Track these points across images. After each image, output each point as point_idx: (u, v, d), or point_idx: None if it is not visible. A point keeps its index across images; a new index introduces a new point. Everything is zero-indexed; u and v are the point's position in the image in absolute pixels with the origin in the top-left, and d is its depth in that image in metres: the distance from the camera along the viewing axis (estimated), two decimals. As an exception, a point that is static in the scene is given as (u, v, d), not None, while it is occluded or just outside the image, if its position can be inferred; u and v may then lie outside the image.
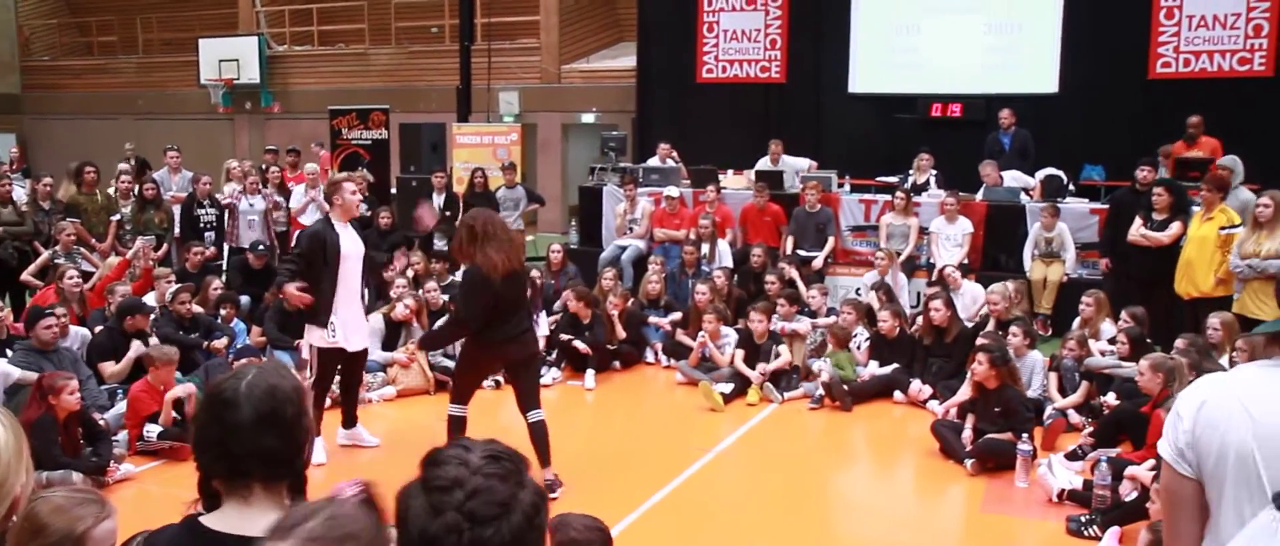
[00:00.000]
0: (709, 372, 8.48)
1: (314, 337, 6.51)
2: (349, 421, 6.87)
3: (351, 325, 6.53)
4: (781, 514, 5.95)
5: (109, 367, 7.49)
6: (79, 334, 7.78)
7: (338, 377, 6.85)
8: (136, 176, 11.64)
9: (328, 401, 7.00)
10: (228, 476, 1.87)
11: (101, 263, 9.86)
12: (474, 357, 6.07)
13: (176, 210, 11.07)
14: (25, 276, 9.49)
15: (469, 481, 1.42)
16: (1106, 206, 10.34)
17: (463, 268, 5.94)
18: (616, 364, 9.22)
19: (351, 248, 6.45)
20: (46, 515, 2.46)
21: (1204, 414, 2.14)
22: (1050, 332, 9.90)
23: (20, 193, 10.77)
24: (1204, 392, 2.19)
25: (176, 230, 10.92)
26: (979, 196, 11.19)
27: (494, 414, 8.11)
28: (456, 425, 6.05)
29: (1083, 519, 5.48)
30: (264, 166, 12.42)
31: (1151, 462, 5.59)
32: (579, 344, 8.76)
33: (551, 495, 5.79)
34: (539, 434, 5.94)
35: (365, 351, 6.90)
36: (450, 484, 1.42)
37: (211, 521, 1.86)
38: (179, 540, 1.88)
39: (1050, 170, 11.54)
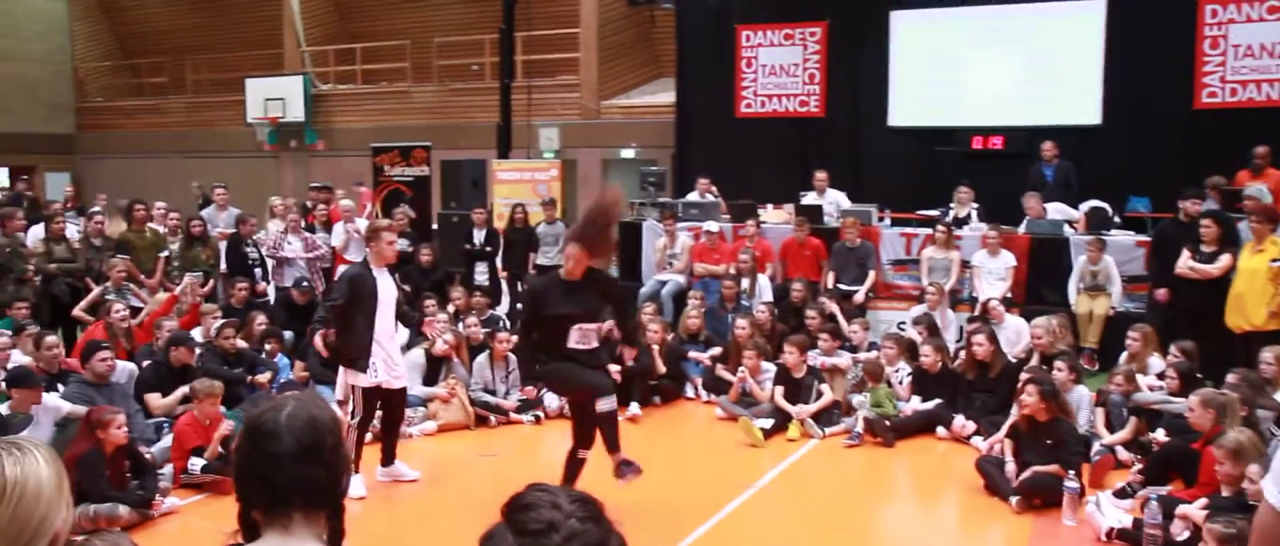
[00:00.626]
0: (749, 408, 8.43)
1: (353, 378, 6.60)
2: (388, 459, 6.89)
3: (389, 363, 6.64)
4: (823, 551, 5.88)
5: (156, 400, 7.60)
6: (126, 368, 7.91)
7: (378, 414, 6.90)
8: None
9: (368, 436, 7.06)
10: (268, 506, 1.90)
11: (150, 298, 10.04)
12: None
13: (222, 246, 11.27)
14: (77, 311, 9.70)
15: (564, 525, 1.41)
16: (1151, 239, 10.18)
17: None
18: (656, 399, 9.19)
19: (387, 293, 6.62)
20: None
21: None
22: (1097, 367, 9.73)
23: (73, 230, 11.02)
24: None
25: (223, 266, 11.11)
26: (1021, 229, 11.06)
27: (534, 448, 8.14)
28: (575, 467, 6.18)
29: (1132, 558, 5.35)
30: (310, 204, 12.59)
31: (1204, 501, 5.47)
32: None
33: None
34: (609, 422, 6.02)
35: (404, 389, 6.97)
36: (546, 527, 1.41)
37: None
38: None
39: (1095, 202, 11.39)
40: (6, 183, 20.86)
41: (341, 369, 6.75)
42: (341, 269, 8.27)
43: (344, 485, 1.99)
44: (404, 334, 9.65)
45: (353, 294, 6.45)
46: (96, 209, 11.16)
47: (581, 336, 5.88)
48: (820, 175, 12.84)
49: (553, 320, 5.87)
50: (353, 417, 6.62)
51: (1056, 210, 11.39)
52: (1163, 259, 9.47)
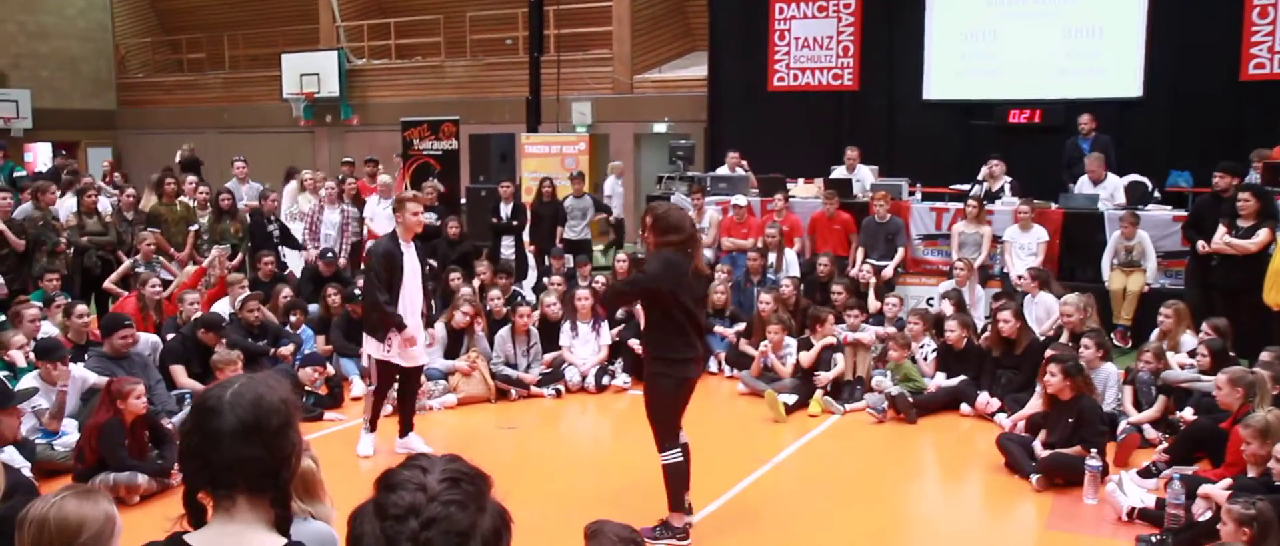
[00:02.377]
0: (771, 383, 8.35)
1: (371, 348, 6.72)
2: (404, 431, 6.93)
3: (410, 341, 6.64)
4: (839, 526, 5.81)
5: (181, 373, 7.68)
6: (150, 340, 7.99)
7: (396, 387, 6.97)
8: (181, 176, 11.96)
9: (388, 409, 7.11)
10: (210, 486, 1.84)
11: (179, 271, 10.15)
12: (665, 385, 5.28)
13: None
14: (108, 284, 9.82)
15: (426, 509, 1.33)
16: (1187, 214, 9.93)
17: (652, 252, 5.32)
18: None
19: (411, 266, 6.63)
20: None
21: None
22: (1129, 344, 9.53)
23: (105, 203, 11.15)
24: None
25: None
26: (1054, 205, 10.83)
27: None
28: (676, 472, 5.33)
29: (1153, 539, 5.23)
30: (341, 178, 12.64)
31: (1227, 481, 5.33)
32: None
33: (687, 520, 5.43)
34: (687, 456, 5.44)
35: (421, 367, 6.98)
36: (406, 511, 1.33)
37: (196, 539, 1.83)
38: None
39: (1134, 177, 11.13)
40: (50, 158, 21.22)
41: (365, 337, 6.83)
42: (370, 243, 8.28)
43: (292, 468, 1.89)
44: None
45: (388, 267, 6.51)
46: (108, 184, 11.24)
47: None
48: (851, 152, 12.66)
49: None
50: (370, 385, 6.87)
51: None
52: (1199, 233, 9.23)
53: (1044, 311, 9.09)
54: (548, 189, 12.48)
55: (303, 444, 1.95)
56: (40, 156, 21.89)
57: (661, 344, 5.22)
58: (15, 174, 14.69)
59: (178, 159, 14.75)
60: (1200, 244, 9.12)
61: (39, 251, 9.73)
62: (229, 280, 9.49)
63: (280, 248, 11.09)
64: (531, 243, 12.50)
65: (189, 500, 1.87)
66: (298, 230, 11.46)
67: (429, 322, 7.02)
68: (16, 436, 6.18)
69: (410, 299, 6.64)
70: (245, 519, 1.83)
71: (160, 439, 6.43)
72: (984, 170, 11.59)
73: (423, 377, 8.20)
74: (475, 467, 1.42)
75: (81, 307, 8.17)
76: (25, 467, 5.72)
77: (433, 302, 7.49)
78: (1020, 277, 9.63)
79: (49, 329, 7.94)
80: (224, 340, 8.09)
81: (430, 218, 11.83)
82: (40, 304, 8.35)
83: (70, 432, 6.58)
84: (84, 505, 2.49)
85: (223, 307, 9.08)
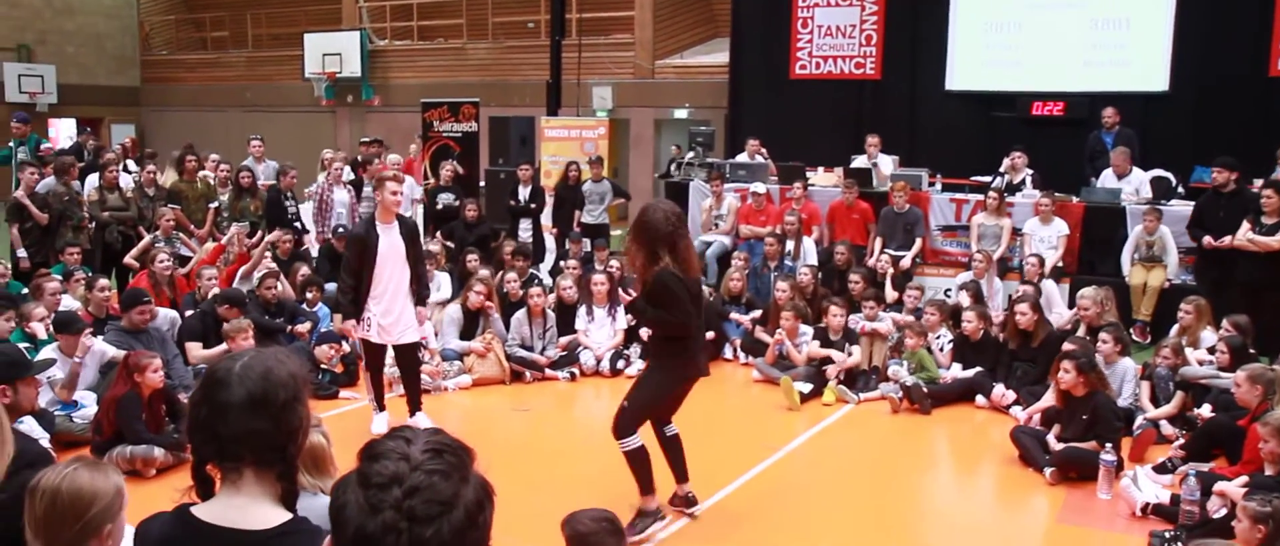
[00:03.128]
0: (785, 371, 8.33)
1: (341, 327, 6.93)
2: (413, 410, 6.94)
3: (390, 320, 6.66)
4: (851, 515, 5.80)
5: (196, 350, 7.73)
6: (168, 316, 8.05)
7: (395, 367, 7.06)
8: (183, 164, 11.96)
9: (400, 390, 7.12)
10: (217, 459, 1.85)
11: (199, 248, 10.21)
12: (667, 381, 5.27)
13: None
14: (128, 259, 9.90)
15: (408, 477, 1.34)
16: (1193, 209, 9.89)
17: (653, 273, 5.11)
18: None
19: (389, 247, 6.59)
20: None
21: None
22: (1149, 340, 9.45)
23: (127, 179, 11.22)
24: None
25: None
26: (1076, 198, 10.75)
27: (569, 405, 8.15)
28: (637, 457, 5.27)
29: (1166, 535, 5.19)
30: (360, 158, 12.67)
31: (1243, 479, 5.28)
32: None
33: (690, 511, 5.50)
34: (676, 446, 5.46)
35: (414, 345, 6.94)
36: (389, 480, 1.34)
37: (202, 511, 1.84)
38: (169, 530, 1.87)
39: (1158, 172, 11.02)
40: (75, 134, 21.37)
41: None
42: (350, 228, 8.33)
43: (299, 443, 1.90)
44: (447, 289, 9.75)
45: (357, 253, 6.56)
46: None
47: None
48: (872, 140, 12.61)
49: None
50: (366, 365, 7.01)
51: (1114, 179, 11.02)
52: (1198, 231, 9.29)
53: (1045, 300, 9.14)
54: (574, 172, 12.52)
55: (310, 419, 1.96)
56: (62, 132, 22.05)
57: (665, 350, 5.26)
58: (41, 147, 14.81)
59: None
60: (1206, 240, 9.08)
61: (63, 225, 9.81)
62: (254, 255, 9.54)
63: (297, 224, 11.12)
64: (553, 225, 12.51)
65: (197, 472, 1.89)
66: (307, 211, 11.51)
67: (423, 301, 6.95)
68: (35, 407, 6.24)
69: (390, 280, 6.61)
70: (251, 492, 1.83)
71: (177, 413, 6.46)
72: (1006, 162, 11.51)
73: (439, 359, 8.27)
74: (458, 440, 1.43)
75: (103, 282, 8.24)
76: (44, 438, 5.78)
77: (428, 282, 7.41)
78: (1028, 263, 9.67)
79: (70, 302, 8.03)
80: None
81: (448, 199, 11.88)
82: (61, 277, 8.43)
83: (88, 405, 6.64)
84: (96, 477, 2.50)
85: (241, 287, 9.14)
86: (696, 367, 5.33)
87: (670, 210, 5.15)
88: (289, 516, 1.83)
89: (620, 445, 5.20)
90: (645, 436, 5.33)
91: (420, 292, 6.87)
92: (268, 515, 1.82)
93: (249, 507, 1.81)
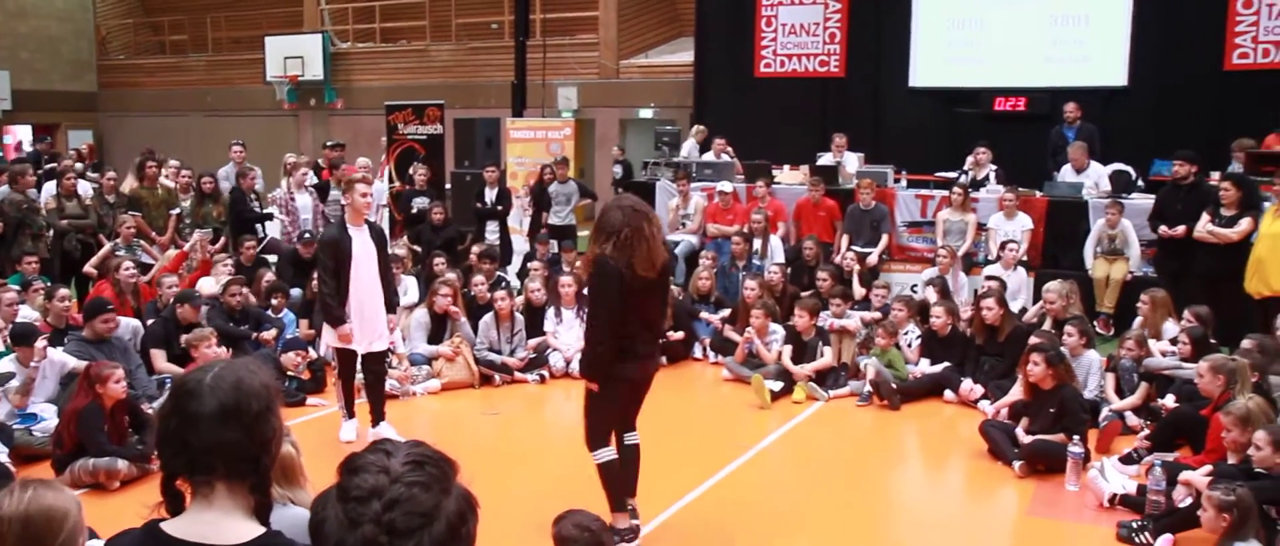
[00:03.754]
0: (755, 369, 8.35)
1: (327, 337, 6.71)
2: (376, 420, 6.83)
3: (364, 327, 6.56)
4: (822, 512, 5.82)
5: (159, 359, 7.62)
6: (130, 325, 7.93)
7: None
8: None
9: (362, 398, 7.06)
10: (188, 472, 1.80)
11: (160, 255, 10.06)
12: (608, 393, 4.93)
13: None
14: (88, 268, 9.74)
15: (388, 490, 1.32)
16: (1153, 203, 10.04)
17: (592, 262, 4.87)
18: (663, 359, 9.13)
19: (362, 251, 6.47)
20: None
21: None
22: (1112, 332, 9.57)
23: (85, 187, 11.04)
24: None
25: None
26: (1039, 193, 10.86)
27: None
28: (608, 470, 5.03)
29: (1134, 525, 5.25)
30: (323, 162, 12.55)
31: (1208, 468, 5.35)
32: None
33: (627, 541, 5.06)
34: (631, 458, 5.16)
35: (382, 353, 6.85)
36: (368, 494, 1.32)
37: (173, 527, 1.79)
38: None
39: (1118, 165, 11.15)
40: (31, 141, 21.01)
41: (323, 326, 6.82)
42: (322, 231, 8.17)
43: (272, 454, 1.86)
44: (413, 293, 9.67)
45: (333, 256, 6.41)
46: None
47: None
48: (839, 140, 12.67)
49: None
50: (337, 373, 6.84)
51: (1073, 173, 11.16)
52: (1160, 220, 9.46)
53: (1019, 283, 9.31)
54: (549, 176, 12.55)
55: (284, 430, 1.92)
56: (26, 139, 21.64)
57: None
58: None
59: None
60: (1162, 228, 9.25)
61: (20, 234, 9.64)
62: (215, 259, 9.42)
63: (258, 226, 10.99)
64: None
65: (166, 487, 1.84)
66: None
67: (392, 308, 6.84)
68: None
69: (364, 285, 6.51)
70: (223, 506, 1.79)
71: (140, 424, 6.37)
72: (970, 158, 11.61)
73: (407, 364, 8.21)
74: (440, 452, 1.41)
75: (63, 291, 8.10)
76: (2, 452, 5.67)
77: (396, 288, 7.28)
78: (1009, 251, 9.82)
79: (28, 313, 7.88)
80: (203, 313, 8.04)
81: (423, 202, 11.80)
82: (18, 288, 8.28)
83: (48, 418, 6.52)
84: (59, 496, 2.43)
85: (207, 288, 9.02)
86: (640, 372, 4.99)
87: (630, 205, 4.85)
88: (262, 531, 1.80)
89: (592, 458, 5.05)
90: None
91: (390, 299, 6.77)
92: (240, 529, 1.78)
93: (221, 522, 1.77)
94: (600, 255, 4.73)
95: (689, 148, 13.84)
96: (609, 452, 5.01)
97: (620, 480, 5.05)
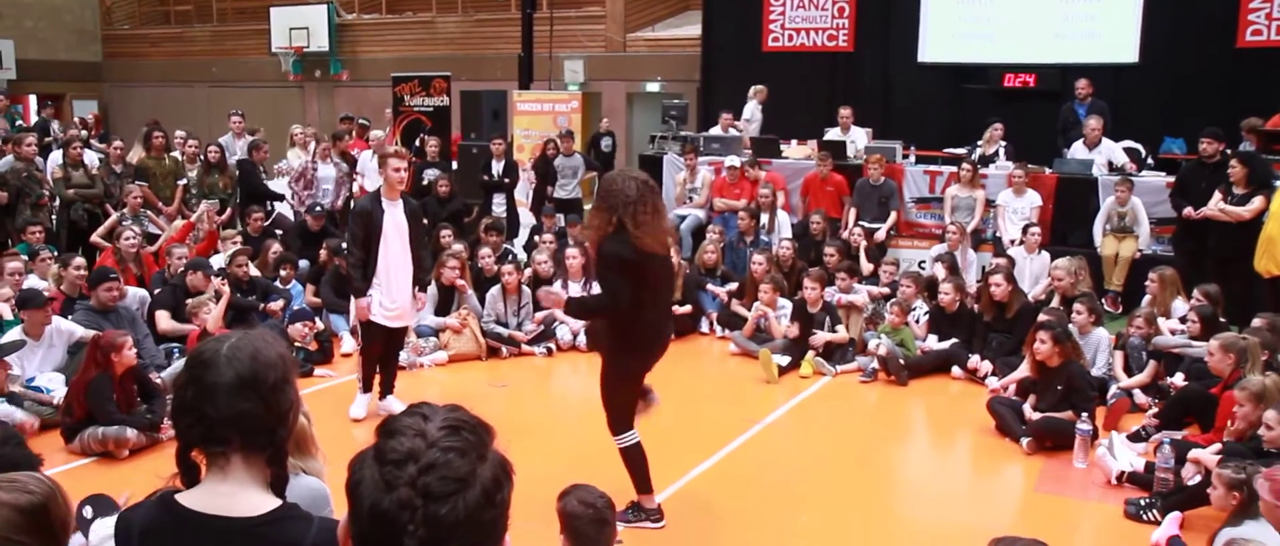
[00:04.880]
0: (763, 344, 8.34)
1: (356, 309, 6.62)
2: (386, 393, 6.83)
3: (393, 304, 6.51)
4: (829, 487, 5.82)
5: (164, 320, 7.63)
6: (138, 295, 7.93)
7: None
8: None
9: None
10: (204, 442, 1.78)
11: (167, 225, 10.06)
12: (623, 369, 4.89)
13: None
14: (94, 238, 9.73)
15: (425, 454, 1.32)
16: (1175, 180, 9.97)
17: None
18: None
19: (393, 225, 6.41)
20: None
21: None
22: (1120, 310, 9.55)
23: (91, 156, 11.03)
24: None
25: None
26: (1048, 170, 10.81)
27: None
28: (634, 453, 4.98)
29: (1142, 502, 5.25)
30: (337, 134, 12.52)
31: (1217, 446, 5.34)
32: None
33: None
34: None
35: (403, 329, 6.84)
36: (404, 456, 1.32)
37: (188, 499, 1.78)
38: (153, 519, 1.80)
39: (1128, 143, 11.10)
40: (36, 110, 20.98)
41: (351, 298, 6.75)
42: (355, 202, 8.13)
43: (289, 426, 1.84)
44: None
45: (365, 228, 6.35)
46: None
47: None
48: (845, 112, 12.61)
49: None
50: (360, 344, 6.78)
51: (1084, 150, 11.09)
52: (1185, 199, 9.32)
53: (1041, 267, 9.15)
54: (553, 150, 12.54)
55: (299, 401, 1.90)
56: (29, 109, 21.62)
57: (615, 335, 4.82)
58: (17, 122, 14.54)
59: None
60: (1187, 210, 9.17)
61: (23, 203, 9.63)
62: (222, 235, 9.42)
63: (269, 202, 10.99)
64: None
65: (182, 458, 1.82)
66: (281, 185, 11.38)
67: (423, 285, 6.77)
68: (4, 389, 6.17)
69: (395, 259, 6.45)
70: (240, 478, 1.77)
71: (149, 393, 6.39)
72: (987, 133, 11.57)
73: (415, 336, 8.21)
74: (477, 418, 1.40)
75: (79, 260, 8.07)
76: (15, 414, 5.70)
77: (427, 266, 7.19)
78: (1012, 241, 9.69)
79: (35, 282, 7.88)
80: (211, 279, 8.04)
81: (433, 174, 11.80)
82: (27, 257, 8.28)
83: (57, 388, 6.53)
84: (20, 497, 2.24)
85: (215, 262, 9.02)
86: (651, 357, 4.93)
87: (638, 178, 4.75)
88: (278, 503, 1.79)
89: (615, 442, 4.99)
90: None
91: (420, 276, 6.69)
92: (256, 502, 1.76)
93: (237, 494, 1.76)
94: (614, 235, 4.63)
95: (751, 110, 13.53)
96: (633, 436, 4.97)
97: (645, 462, 5.00)
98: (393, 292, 6.49)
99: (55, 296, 7.39)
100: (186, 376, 1.82)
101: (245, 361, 1.78)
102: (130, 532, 1.81)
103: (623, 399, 4.94)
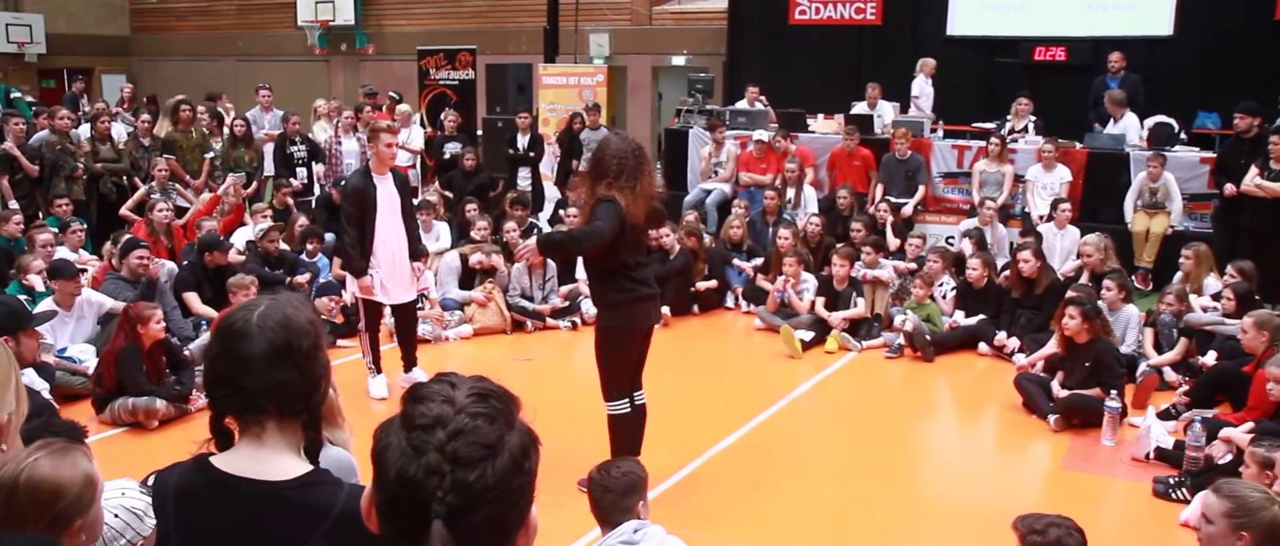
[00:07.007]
0: (788, 319, 8.31)
1: (353, 286, 6.66)
2: (407, 366, 6.84)
3: (391, 278, 6.51)
4: (853, 463, 5.80)
5: (195, 302, 7.68)
6: (167, 267, 7.99)
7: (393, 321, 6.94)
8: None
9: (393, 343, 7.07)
10: (240, 412, 1.79)
11: (195, 198, 10.12)
12: (614, 332, 4.96)
13: (268, 148, 11.30)
14: (124, 210, 9.80)
15: (453, 421, 1.30)
16: (1216, 156, 9.80)
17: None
18: (695, 307, 9.15)
19: (386, 199, 6.40)
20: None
21: None
22: (1151, 287, 9.43)
23: (119, 129, 11.10)
24: None
25: (270, 168, 11.15)
26: (1079, 145, 10.66)
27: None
28: (622, 424, 5.04)
29: (1171, 480, 5.20)
30: (360, 107, 12.53)
31: (1249, 425, 5.28)
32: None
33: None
34: (640, 416, 5.15)
35: (412, 303, 6.84)
36: (432, 423, 1.30)
37: (222, 462, 1.78)
38: (189, 480, 1.81)
39: (1160, 117, 10.92)
40: (68, 84, 21.11)
41: (347, 279, 6.76)
42: (345, 182, 8.12)
43: (322, 392, 1.84)
44: (446, 239, 9.69)
45: (359, 205, 6.35)
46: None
47: None
48: (872, 88, 12.46)
49: None
50: (360, 324, 6.77)
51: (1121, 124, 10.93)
52: (1227, 177, 9.13)
53: (1071, 243, 9.09)
54: (579, 124, 12.49)
55: (330, 366, 1.90)
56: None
57: (603, 292, 4.93)
58: (11, 96, 14.64)
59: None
60: (1227, 187, 9.01)
61: (58, 176, 9.71)
62: (252, 209, 9.47)
63: (305, 169, 11.03)
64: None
65: (216, 425, 1.82)
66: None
67: (417, 255, 6.77)
68: (36, 358, 6.22)
69: (390, 234, 6.46)
70: (275, 444, 1.78)
71: (177, 364, 6.46)
72: (1014, 108, 11.42)
73: (440, 309, 8.23)
74: (503, 387, 1.39)
75: (140, 250, 8.09)
76: (45, 389, 5.76)
77: (419, 234, 7.17)
78: (1041, 217, 9.58)
79: (66, 255, 7.95)
80: (228, 255, 8.06)
81: (455, 147, 11.80)
82: (55, 229, 8.35)
83: (88, 359, 6.61)
84: (61, 466, 2.15)
85: (242, 236, 9.09)
86: (643, 319, 4.98)
87: (628, 145, 4.85)
88: (310, 467, 1.79)
89: (606, 408, 5.04)
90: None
91: (415, 247, 6.68)
92: (289, 466, 1.77)
93: (272, 460, 1.77)
94: (607, 193, 4.70)
95: (919, 85, 12.63)
96: (624, 405, 5.01)
97: (629, 435, 5.04)
98: (393, 267, 6.50)
99: (104, 268, 7.43)
100: (218, 347, 1.81)
101: (277, 329, 1.77)
102: (166, 493, 1.83)
103: (613, 364, 4.98)
